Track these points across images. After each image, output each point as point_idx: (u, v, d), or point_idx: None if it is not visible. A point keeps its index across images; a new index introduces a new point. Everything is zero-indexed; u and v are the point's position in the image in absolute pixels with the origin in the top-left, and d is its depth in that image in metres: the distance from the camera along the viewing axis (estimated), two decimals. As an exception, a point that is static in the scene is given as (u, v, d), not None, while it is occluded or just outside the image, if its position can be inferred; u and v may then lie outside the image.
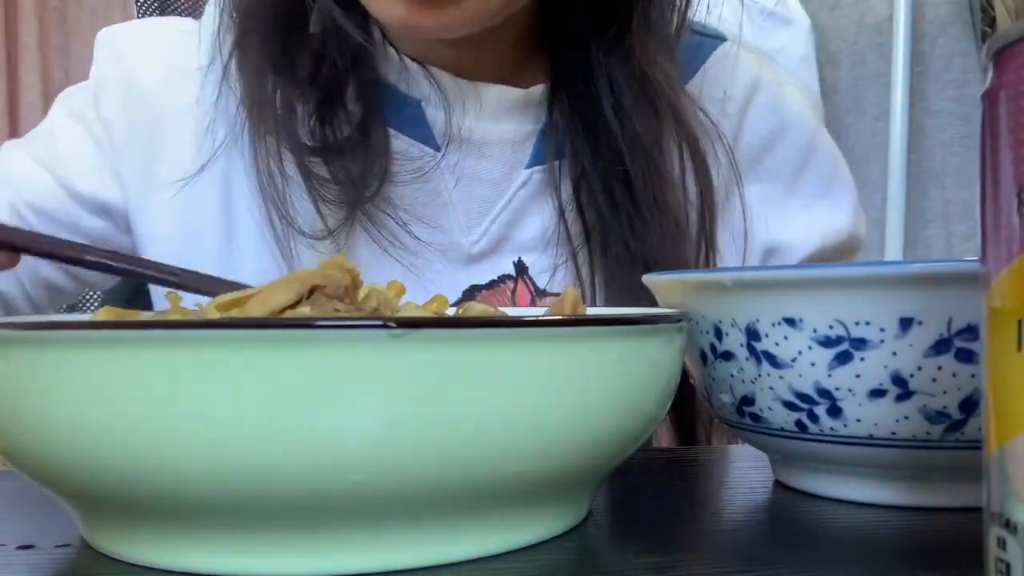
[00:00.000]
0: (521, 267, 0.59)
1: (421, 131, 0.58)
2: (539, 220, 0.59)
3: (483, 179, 0.59)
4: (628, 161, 0.57)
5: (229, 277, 0.51)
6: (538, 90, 0.59)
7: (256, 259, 0.59)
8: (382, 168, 0.56)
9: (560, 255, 0.58)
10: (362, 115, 0.57)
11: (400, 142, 0.58)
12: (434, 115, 0.58)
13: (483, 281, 0.59)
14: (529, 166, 0.59)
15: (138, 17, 0.95)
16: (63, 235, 0.61)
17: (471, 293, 0.59)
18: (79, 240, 0.62)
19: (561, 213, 0.58)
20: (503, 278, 0.59)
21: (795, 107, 0.65)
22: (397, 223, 0.57)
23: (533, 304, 0.58)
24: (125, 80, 0.63)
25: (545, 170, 0.59)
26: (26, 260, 0.56)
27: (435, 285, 0.58)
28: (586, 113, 0.58)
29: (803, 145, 0.64)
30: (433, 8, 0.49)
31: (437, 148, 0.58)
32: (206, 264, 0.57)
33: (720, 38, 0.65)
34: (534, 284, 0.59)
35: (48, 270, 0.63)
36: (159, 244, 0.61)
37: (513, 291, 0.59)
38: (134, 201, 0.62)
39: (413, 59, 0.57)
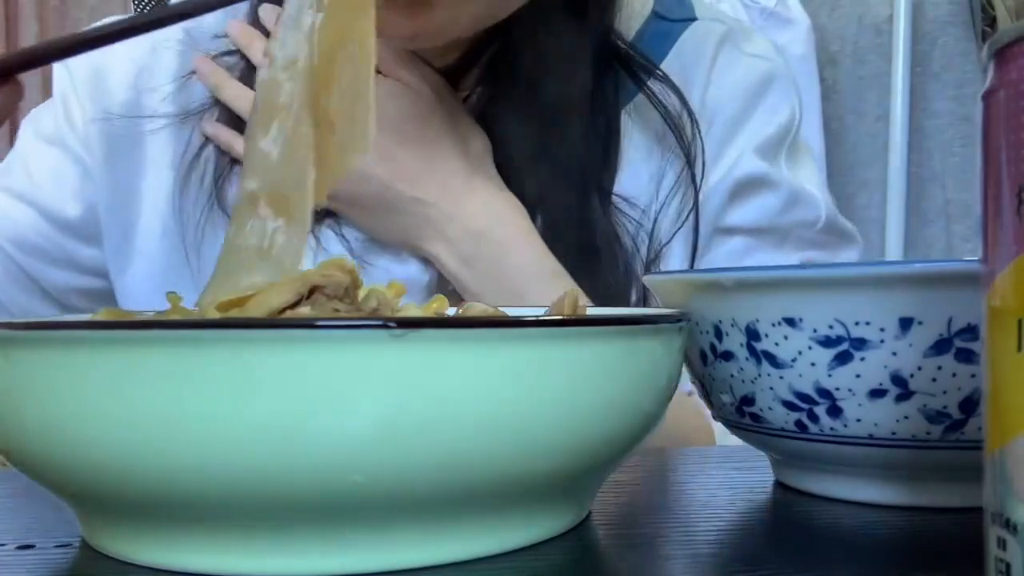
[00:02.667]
0: None
1: None
2: None
3: None
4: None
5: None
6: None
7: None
8: None
9: None
10: None
11: None
12: None
13: None
14: None
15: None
16: (58, 272, 0.60)
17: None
18: (76, 276, 0.61)
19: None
20: None
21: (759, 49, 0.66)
22: (338, 235, 0.58)
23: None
24: (92, 72, 0.61)
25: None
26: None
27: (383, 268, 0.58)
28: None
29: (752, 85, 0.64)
30: (408, 13, 0.48)
31: None
32: (184, 270, 0.58)
33: (690, 19, 0.66)
34: None
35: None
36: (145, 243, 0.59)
37: None
38: (113, 199, 0.60)
39: None
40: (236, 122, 0.58)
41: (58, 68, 0.62)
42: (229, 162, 0.59)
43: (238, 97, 0.58)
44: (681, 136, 0.61)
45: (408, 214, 0.55)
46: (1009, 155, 0.19)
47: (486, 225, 0.54)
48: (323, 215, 0.58)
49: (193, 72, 0.60)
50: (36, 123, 0.62)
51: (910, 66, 1.52)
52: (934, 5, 1.54)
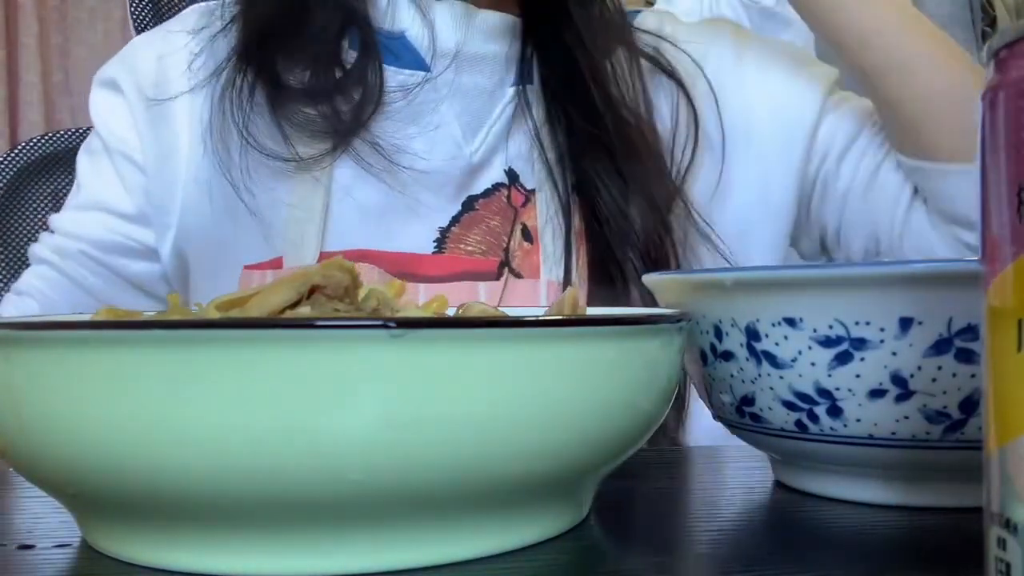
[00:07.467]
0: (512, 175, 0.64)
1: (410, 58, 0.62)
2: (524, 134, 0.64)
3: (477, 91, 0.63)
4: (593, 88, 0.63)
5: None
6: (518, 19, 0.64)
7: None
8: (372, 103, 0.60)
9: (542, 167, 0.64)
10: (355, 65, 0.61)
11: (396, 77, 0.61)
12: (419, 39, 0.62)
13: (479, 191, 0.63)
14: (514, 85, 0.64)
15: (132, 17, 0.96)
16: (141, 263, 0.65)
17: (470, 204, 0.63)
18: (157, 264, 0.65)
19: (537, 131, 0.64)
20: (497, 186, 0.63)
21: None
22: (381, 152, 0.60)
23: (526, 203, 0.63)
24: (125, 70, 0.66)
25: (526, 90, 0.64)
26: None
27: (427, 207, 0.61)
28: (555, 45, 0.64)
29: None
30: None
31: (428, 69, 0.62)
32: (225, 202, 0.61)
33: (637, 11, 0.73)
34: (525, 188, 0.63)
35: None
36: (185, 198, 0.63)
37: (508, 196, 0.63)
38: (156, 177, 0.64)
39: None
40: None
41: (95, 85, 0.67)
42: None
43: None
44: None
45: None
46: (1009, 155, 0.19)
47: None
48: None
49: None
50: (85, 147, 0.68)
51: (910, 66, 1.52)
52: (934, 5, 1.55)
